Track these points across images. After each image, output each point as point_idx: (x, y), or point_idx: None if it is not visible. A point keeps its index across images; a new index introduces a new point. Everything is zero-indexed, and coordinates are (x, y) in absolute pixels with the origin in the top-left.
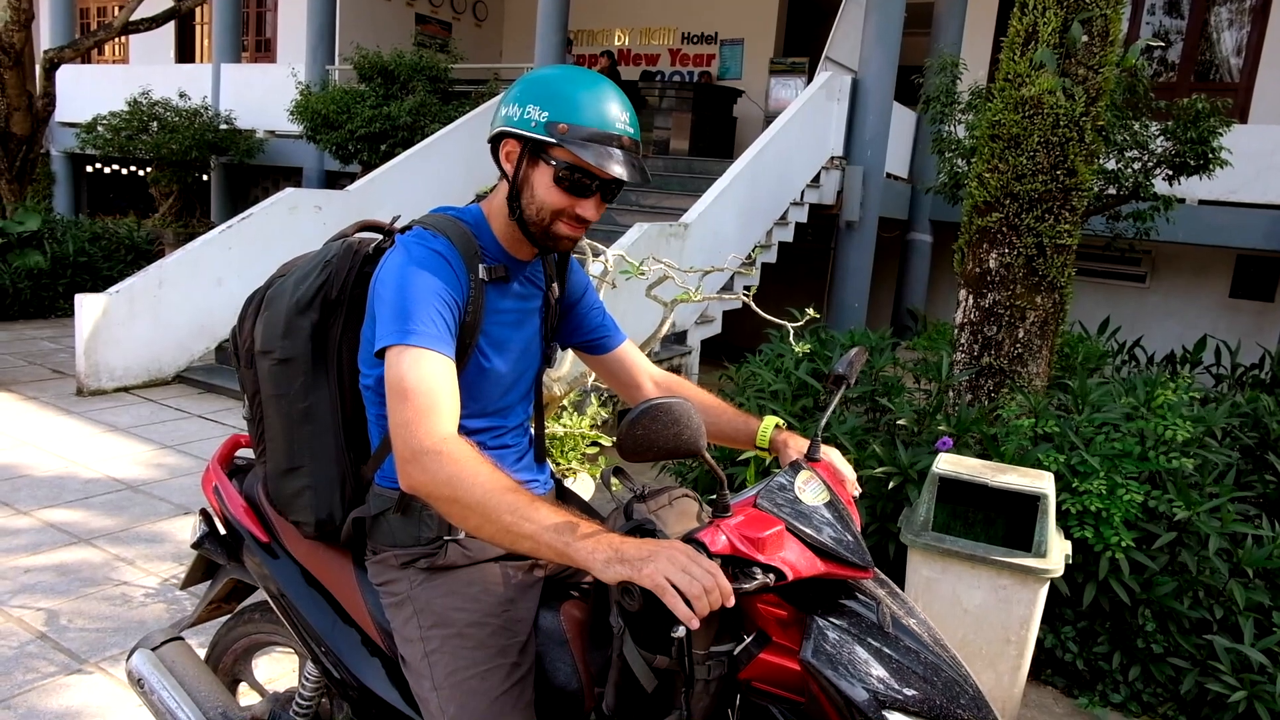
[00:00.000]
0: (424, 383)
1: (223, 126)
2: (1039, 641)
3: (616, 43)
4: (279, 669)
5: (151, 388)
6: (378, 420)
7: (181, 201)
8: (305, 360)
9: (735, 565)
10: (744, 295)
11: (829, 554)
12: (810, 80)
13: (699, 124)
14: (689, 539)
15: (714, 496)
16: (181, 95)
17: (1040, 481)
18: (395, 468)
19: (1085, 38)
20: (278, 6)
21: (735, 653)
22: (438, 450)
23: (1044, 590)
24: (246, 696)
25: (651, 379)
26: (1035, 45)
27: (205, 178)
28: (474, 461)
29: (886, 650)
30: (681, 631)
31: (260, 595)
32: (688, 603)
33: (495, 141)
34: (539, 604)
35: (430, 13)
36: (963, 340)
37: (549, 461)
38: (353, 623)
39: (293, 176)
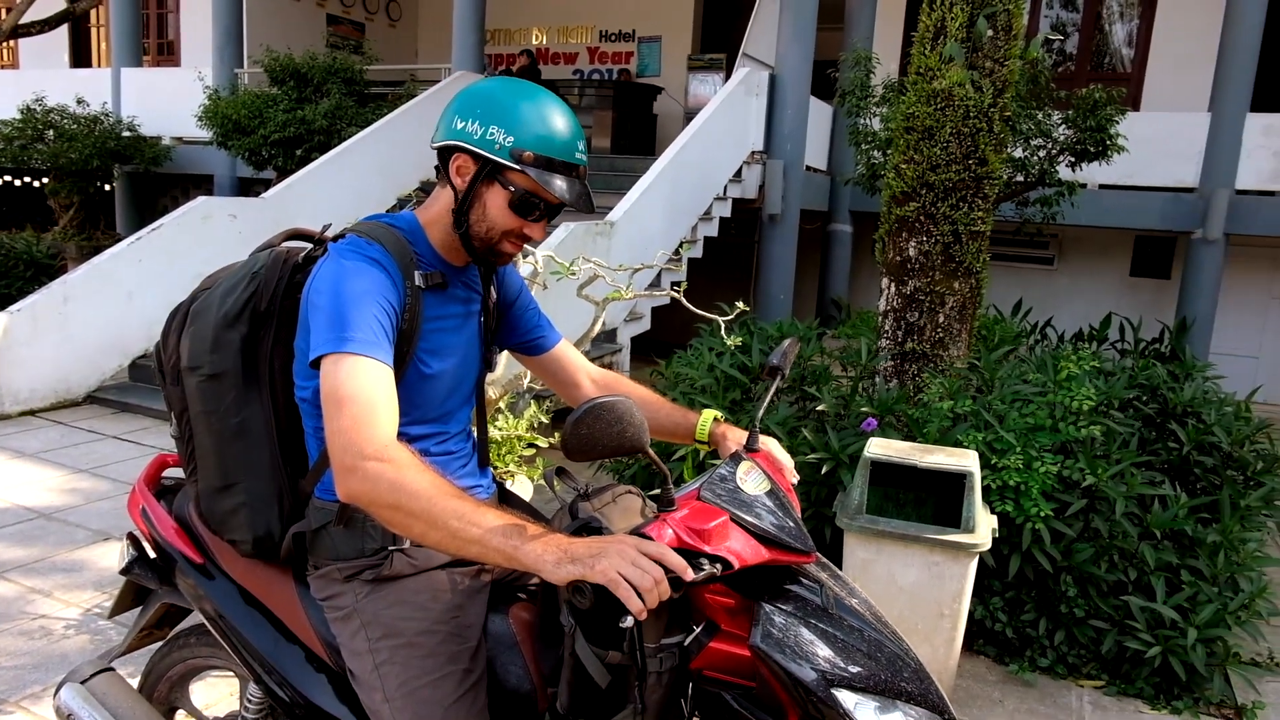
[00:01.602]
0: (362, 390)
1: (125, 134)
2: (970, 614)
3: (534, 41)
4: (216, 694)
5: (60, 410)
6: (315, 433)
7: (84, 213)
8: (235, 375)
9: (682, 557)
10: (675, 291)
11: (772, 541)
12: (728, 76)
13: (620, 121)
14: (636, 534)
15: (657, 491)
16: (79, 101)
17: (965, 460)
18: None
19: (990, 32)
20: (180, 7)
21: (686, 644)
22: (378, 457)
23: (974, 564)
24: None
25: (590, 377)
26: (944, 40)
27: (108, 188)
28: (415, 468)
29: (831, 631)
30: (630, 621)
31: (195, 619)
32: (640, 596)
33: (445, 152)
34: (487, 608)
35: (342, 13)
36: (887, 327)
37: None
38: (296, 640)
39: (203, 184)
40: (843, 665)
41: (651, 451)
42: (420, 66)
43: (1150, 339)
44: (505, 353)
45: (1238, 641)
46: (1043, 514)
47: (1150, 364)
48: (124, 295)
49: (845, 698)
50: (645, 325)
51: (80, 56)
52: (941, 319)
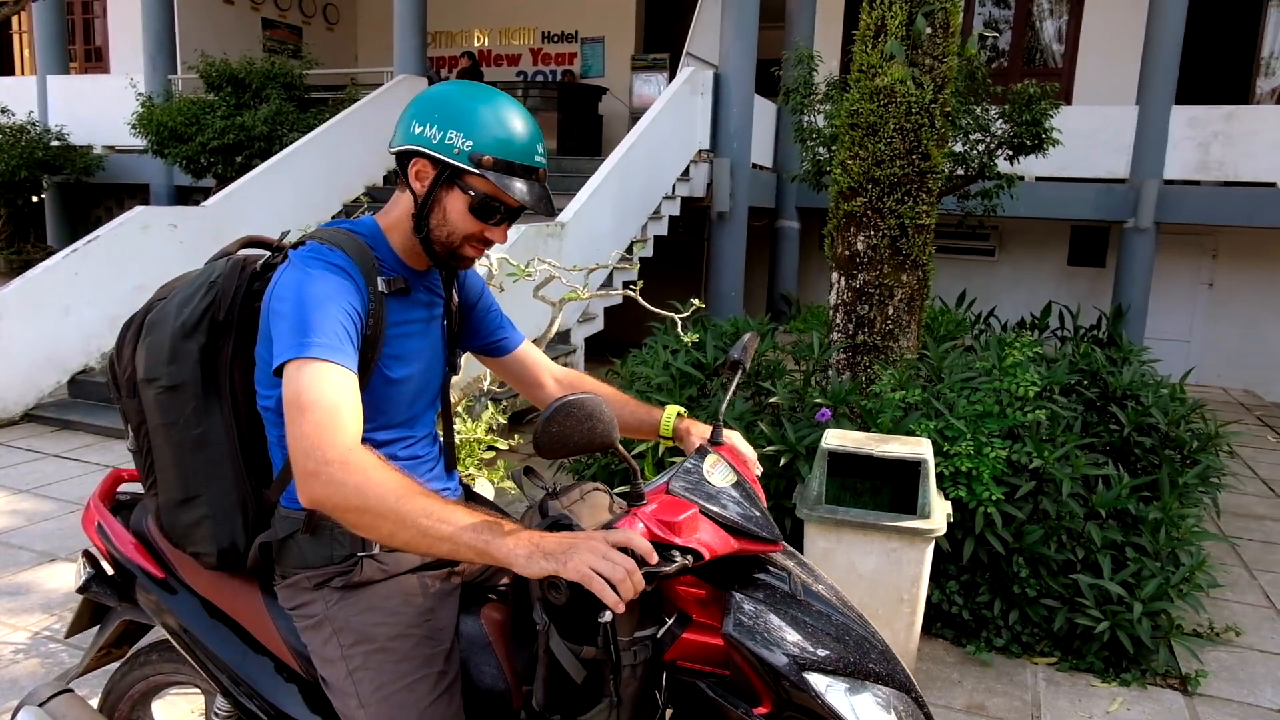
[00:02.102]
0: (325, 396)
1: (54, 143)
2: (928, 598)
3: (476, 43)
4: (178, 711)
5: None
6: (279, 441)
7: (12, 226)
8: (195, 386)
9: (656, 550)
10: (631, 290)
11: (740, 531)
12: (672, 75)
13: (565, 122)
14: (607, 529)
15: (626, 488)
16: (3, 110)
17: (919, 448)
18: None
19: (929, 30)
20: (107, 12)
21: (659, 635)
22: (342, 460)
23: (930, 549)
24: None
25: (553, 377)
26: (885, 38)
27: (37, 199)
28: (380, 469)
29: (800, 616)
30: (609, 616)
31: (156, 635)
32: (614, 589)
33: (403, 157)
34: (459, 610)
35: (278, 17)
36: (838, 320)
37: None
38: (265, 651)
39: (138, 194)
40: (812, 649)
41: (621, 447)
42: (361, 70)
43: (1089, 326)
44: (464, 355)
45: (1180, 614)
46: (994, 498)
47: (1090, 349)
48: (60, 309)
49: (816, 680)
50: (599, 325)
51: (1, 64)
52: (891, 311)
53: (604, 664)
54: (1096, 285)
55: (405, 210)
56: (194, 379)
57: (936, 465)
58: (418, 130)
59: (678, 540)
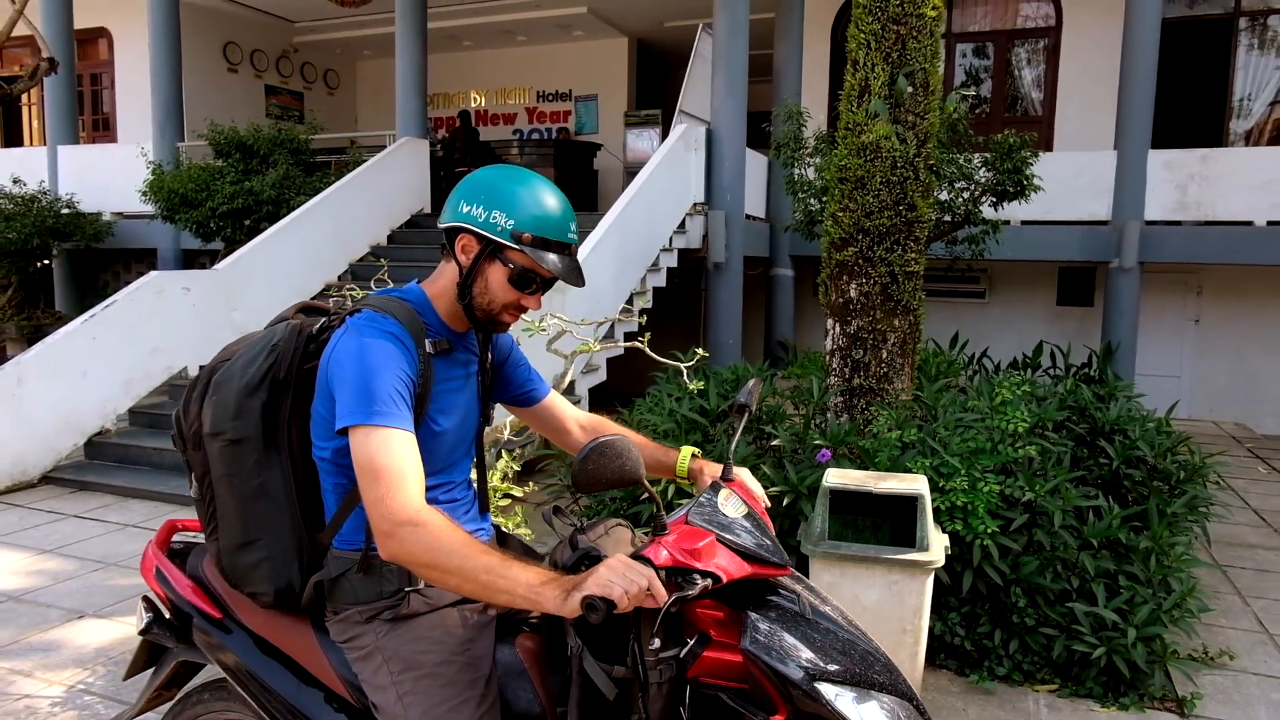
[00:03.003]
0: (393, 460)
1: (64, 211)
2: (930, 630)
3: (473, 103)
4: None
5: (16, 492)
6: (334, 489)
7: (22, 293)
8: (257, 440)
9: (678, 575)
10: (640, 342)
11: (753, 557)
12: (664, 130)
13: (562, 179)
14: (636, 556)
15: (645, 532)
16: (15, 181)
17: (916, 484)
18: (355, 533)
19: (910, 89)
20: (115, 84)
21: (682, 655)
22: (413, 522)
23: (930, 580)
24: None
25: (578, 423)
26: (869, 97)
27: (45, 265)
28: (447, 530)
29: (809, 633)
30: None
31: (206, 676)
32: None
33: (451, 232)
34: (495, 640)
35: (280, 83)
36: (834, 365)
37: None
38: (315, 683)
39: (145, 258)
40: (822, 662)
41: (647, 482)
42: (364, 134)
43: (1080, 364)
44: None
45: (1175, 639)
46: (989, 531)
47: (1077, 386)
48: (78, 373)
49: (827, 690)
50: (602, 376)
51: (11, 135)
52: (885, 355)
53: (633, 683)
54: (1086, 324)
55: (450, 279)
56: (256, 433)
57: (933, 501)
58: (465, 209)
59: (698, 565)
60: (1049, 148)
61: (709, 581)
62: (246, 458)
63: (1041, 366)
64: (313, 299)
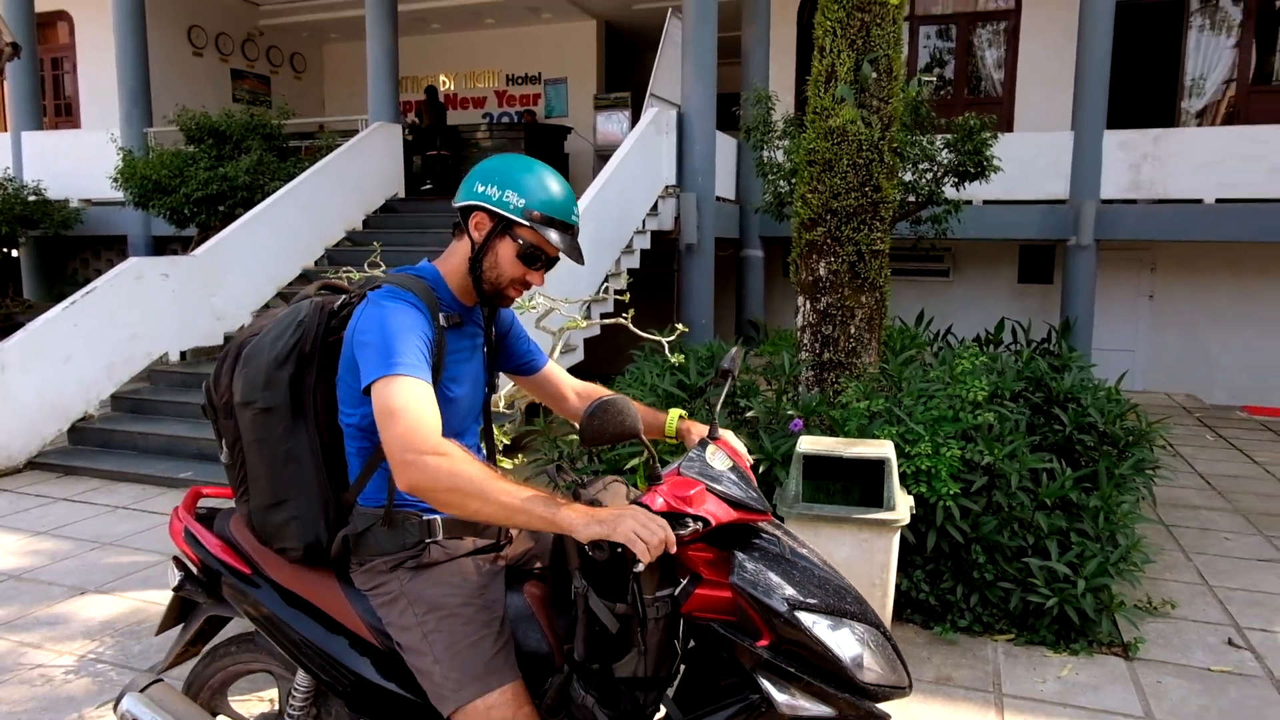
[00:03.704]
0: (412, 401)
1: (31, 198)
2: (898, 587)
3: (442, 87)
4: (247, 710)
5: (2, 478)
6: (359, 452)
7: None
8: (285, 408)
9: (672, 519)
10: (624, 318)
11: (738, 504)
12: (634, 113)
13: None
14: (637, 503)
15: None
16: None
17: (883, 449)
18: (378, 491)
19: (875, 75)
20: (77, 68)
21: (676, 593)
22: (436, 451)
23: (896, 538)
24: None
25: (574, 390)
26: (835, 82)
27: (12, 253)
28: (466, 459)
29: (790, 571)
30: (640, 567)
31: (233, 630)
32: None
33: (465, 211)
34: (506, 588)
35: (247, 67)
36: (805, 340)
37: None
38: (341, 630)
39: (114, 245)
40: (801, 595)
41: (644, 437)
42: (335, 119)
43: (1040, 340)
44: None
45: (1121, 591)
46: (951, 493)
47: (1032, 358)
48: (61, 359)
49: (806, 618)
50: (580, 356)
51: None
52: (853, 330)
53: (632, 619)
54: (1046, 301)
55: (462, 256)
56: (284, 402)
57: (899, 465)
58: (480, 189)
59: (690, 510)
60: (1010, 128)
61: (700, 525)
62: (276, 425)
63: (1004, 342)
64: (321, 281)
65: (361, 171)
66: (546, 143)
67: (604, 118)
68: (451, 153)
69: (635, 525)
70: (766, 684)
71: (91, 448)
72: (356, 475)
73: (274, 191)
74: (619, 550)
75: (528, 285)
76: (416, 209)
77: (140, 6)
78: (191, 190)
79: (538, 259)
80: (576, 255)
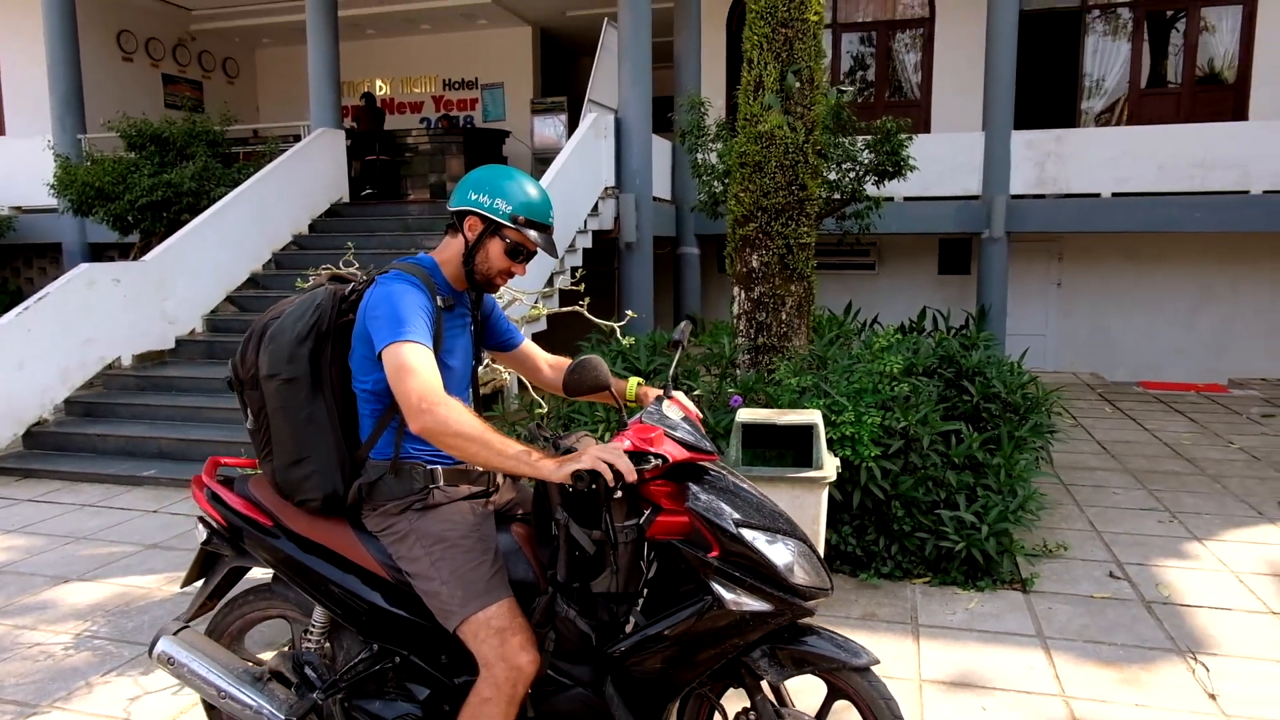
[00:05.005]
0: (420, 362)
1: None
2: (828, 541)
3: (379, 91)
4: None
5: None
6: (371, 414)
7: None
8: (306, 379)
9: (637, 458)
10: (579, 305)
11: (690, 446)
12: (571, 117)
13: (472, 165)
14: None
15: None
16: None
17: (812, 417)
18: (388, 446)
19: (799, 84)
20: (0, 75)
21: (641, 522)
22: (444, 402)
23: (824, 494)
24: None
25: (548, 363)
26: (763, 91)
27: None
28: (466, 411)
29: (734, 499)
30: (619, 494)
31: (251, 581)
32: (618, 477)
33: (459, 214)
34: (496, 529)
35: (178, 72)
36: (741, 327)
37: None
38: (355, 568)
39: (48, 253)
40: (744, 517)
41: (613, 390)
42: (276, 125)
43: (959, 326)
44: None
45: (1021, 538)
46: (873, 455)
47: (944, 338)
48: (15, 365)
49: (748, 534)
50: None
51: None
52: (784, 316)
53: (606, 544)
54: (964, 291)
55: (456, 251)
56: (305, 374)
57: (826, 431)
58: (473, 197)
59: (651, 449)
60: (927, 129)
61: (660, 461)
62: (298, 393)
63: (926, 330)
64: (331, 273)
65: (307, 176)
66: (485, 147)
67: (541, 121)
68: (390, 157)
69: (601, 454)
70: (717, 586)
71: (48, 451)
72: (369, 433)
73: (220, 197)
74: (594, 486)
75: (512, 275)
76: (362, 213)
77: (72, 12)
78: (136, 197)
79: (521, 254)
80: (552, 250)
